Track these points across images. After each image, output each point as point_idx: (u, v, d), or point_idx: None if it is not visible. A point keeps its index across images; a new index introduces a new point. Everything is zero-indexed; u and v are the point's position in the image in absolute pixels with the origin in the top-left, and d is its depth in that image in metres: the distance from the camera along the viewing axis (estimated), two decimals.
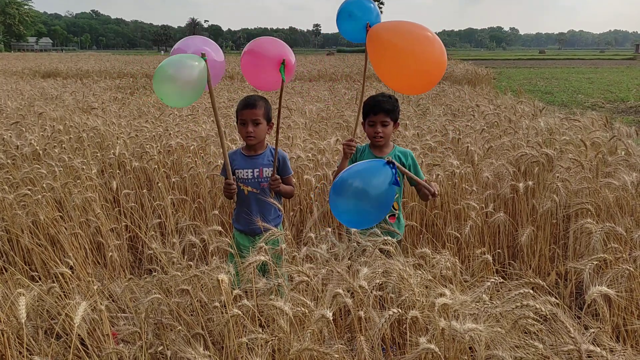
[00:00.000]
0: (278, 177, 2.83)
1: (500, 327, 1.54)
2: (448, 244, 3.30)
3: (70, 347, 1.82)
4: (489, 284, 1.83)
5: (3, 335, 1.85)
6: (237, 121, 2.82)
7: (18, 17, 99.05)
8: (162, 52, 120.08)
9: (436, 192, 2.61)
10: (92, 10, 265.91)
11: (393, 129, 2.86)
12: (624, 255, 2.33)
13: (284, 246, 2.23)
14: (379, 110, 2.76)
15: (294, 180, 3.42)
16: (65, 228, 3.52)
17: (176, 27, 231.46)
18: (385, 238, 2.15)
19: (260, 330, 1.84)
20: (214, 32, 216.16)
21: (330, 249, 2.19)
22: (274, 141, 2.84)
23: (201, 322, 2.14)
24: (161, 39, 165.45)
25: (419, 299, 1.82)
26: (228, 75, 21.73)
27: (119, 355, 1.95)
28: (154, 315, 2.28)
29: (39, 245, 3.36)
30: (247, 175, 2.86)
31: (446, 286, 1.87)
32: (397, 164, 2.20)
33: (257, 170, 2.86)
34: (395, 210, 2.91)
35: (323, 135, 6.08)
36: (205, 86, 2.62)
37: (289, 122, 6.40)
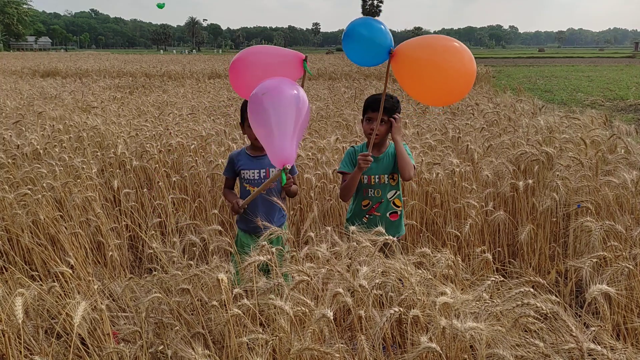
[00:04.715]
0: (290, 176, 2.83)
1: (501, 326, 1.54)
2: (448, 242, 3.30)
3: (70, 346, 1.83)
4: (489, 282, 1.83)
5: (4, 336, 1.85)
6: (245, 123, 2.79)
7: (17, 16, 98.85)
8: (162, 51, 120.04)
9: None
10: (91, 9, 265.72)
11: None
12: (624, 253, 2.34)
13: (287, 246, 2.23)
14: (378, 107, 2.76)
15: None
16: (66, 227, 3.52)
17: (175, 26, 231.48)
18: (387, 237, 2.15)
19: (261, 329, 1.84)
20: (213, 31, 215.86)
21: (331, 248, 2.19)
22: None
23: (202, 321, 2.14)
24: (160, 37, 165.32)
25: (419, 297, 1.82)
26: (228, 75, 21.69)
27: (119, 355, 1.95)
28: (155, 314, 2.28)
29: (39, 245, 3.36)
30: (254, 176, 2.84)
31: (446, 285, 1.87)
32: None
33: (264, 170, 2.84)
34: (398, 207, 2.92)
35: (323, 134, 6.07)
36: None
37: None
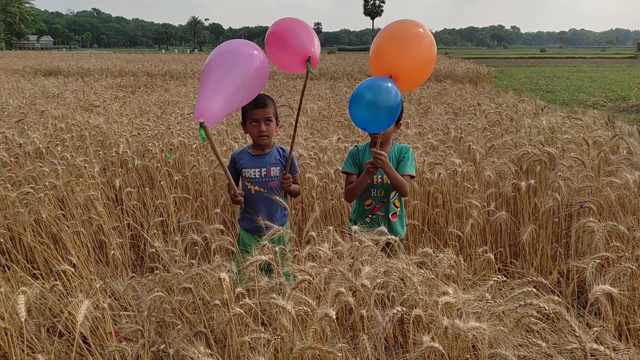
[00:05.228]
0: (290, 175, 2.83)
1: (503, 326, 1.54)
2: (450, 242, 3.30)
3: (72, 345, 1.83)
4: (491, 282, 1.83)
5: (6, 334, 1.86)
6: (247, 121, 2.79)
7: (19, 15, 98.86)
8: (164, 50, 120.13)
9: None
10: (93, 9, 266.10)
11: (395, 129, 2.85)
12: (627, 254, 2.33)
13: (289, 246, 2.23)
14: None
15: None
16: (68, 226, 3.52)
17: (177, 25, 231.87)
18: (389, 237, 2.15)
19: (263, 329, 1.84)
20: (215, 31, 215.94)
21: (333, 247, 2.19)
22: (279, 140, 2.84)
23: (204, 320, 2.14)
24: (162, 37, 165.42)
25: (421, 297, 1.82)
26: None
27: (121, 354, 1.95)
28: (157, 313, 2.29)
29: (41, 243, 3.37)
30: (255, 175, 2.84)
31: (449, 285, 1.87)
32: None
33: (265, 169, 2.85)
34: (397, 208, 2.91)
35: (325, 133, 6.08)
36: None
37: (290, 121, 6.40)
